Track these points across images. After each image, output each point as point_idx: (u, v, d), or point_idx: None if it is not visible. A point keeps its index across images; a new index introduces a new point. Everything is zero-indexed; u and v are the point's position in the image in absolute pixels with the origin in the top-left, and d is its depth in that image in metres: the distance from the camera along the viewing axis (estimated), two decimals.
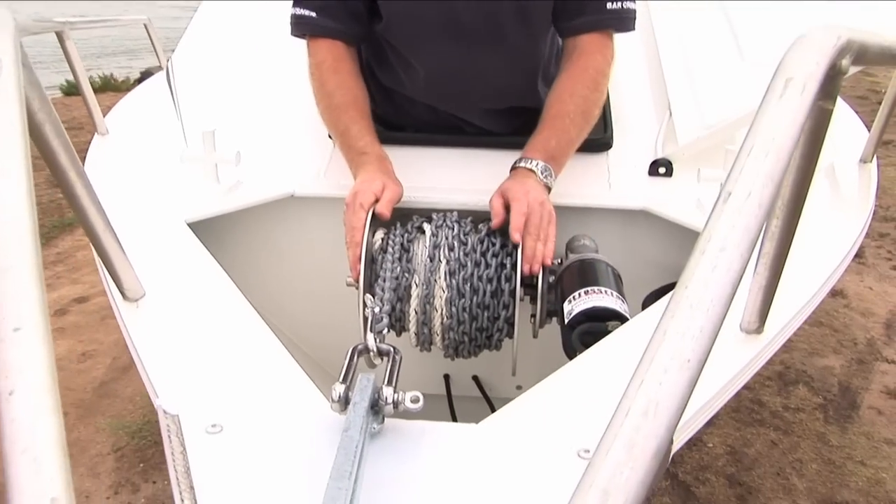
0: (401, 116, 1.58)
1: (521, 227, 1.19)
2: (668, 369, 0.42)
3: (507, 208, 1.23)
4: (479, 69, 1.47)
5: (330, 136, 1.52)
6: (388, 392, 0.75)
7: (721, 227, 0.47)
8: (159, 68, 2.12)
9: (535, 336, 1.25)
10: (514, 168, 1.32)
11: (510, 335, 1.22)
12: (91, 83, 1.76)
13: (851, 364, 2.79)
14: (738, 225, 0.47)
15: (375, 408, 0.75)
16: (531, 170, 1.29)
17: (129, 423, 2.46)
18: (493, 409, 1.67)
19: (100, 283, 3.41)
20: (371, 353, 0.85)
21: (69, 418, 2.45)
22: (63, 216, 4.13)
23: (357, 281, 1.19)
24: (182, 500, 0.69)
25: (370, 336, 0.86)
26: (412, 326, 1.22)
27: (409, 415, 0.78)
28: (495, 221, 1.23)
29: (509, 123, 1.57)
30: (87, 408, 2.54)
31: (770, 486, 2.19)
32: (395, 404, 0.75)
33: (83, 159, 1.57)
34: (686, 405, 0.42)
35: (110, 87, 7.09)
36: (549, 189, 1.30)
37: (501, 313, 1.20)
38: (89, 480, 2.19)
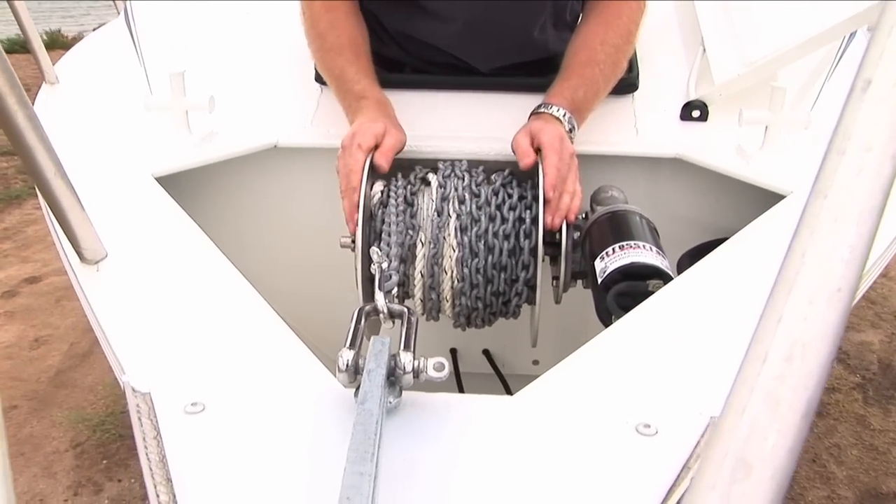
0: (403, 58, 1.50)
1: (556, 185, 1.12)
2: (813, 301, 0.35)
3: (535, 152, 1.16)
4: (498, 17, 1.41)
5: (318, 80, 1.45)
6: (406, 358, 0.67)
7: (862, 121, 0.40)
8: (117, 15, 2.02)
9: (557, 301, 1.19)
10: (535, 114, 1.25)
11: (530, 300, 1.15)
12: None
13: (892, 339, 2.74)
14: (885, 120, 0.40)
15: (391, 378, 0.68)
16: (557, 118, 1.22)
17: (89, 415, 2.37)
18: (506, 388, 1.64)
19: (54, 261, 3.35)
20: (381, 315, 0.77)
21: (20, 412, 2.36)
22: (9, 187, 4.01)
23: (354, 239, 1.12)
24: (157, 495, 0.61)
25: (380, 295, 0.78)
26: (417, 292, 1.15)
27: (426, 387, 0.71)
28: (526, 161, 1.15)
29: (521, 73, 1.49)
30: (41, 400, 2.45)
31: (805, 475, 2.14)
32: (416, 373, 0.68)
33: None
34: (837, 349, 0.34)
35: (59, 45, 6.80)
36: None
37: (520, 275, 1.13)
38: (44, 481, 2.10)
